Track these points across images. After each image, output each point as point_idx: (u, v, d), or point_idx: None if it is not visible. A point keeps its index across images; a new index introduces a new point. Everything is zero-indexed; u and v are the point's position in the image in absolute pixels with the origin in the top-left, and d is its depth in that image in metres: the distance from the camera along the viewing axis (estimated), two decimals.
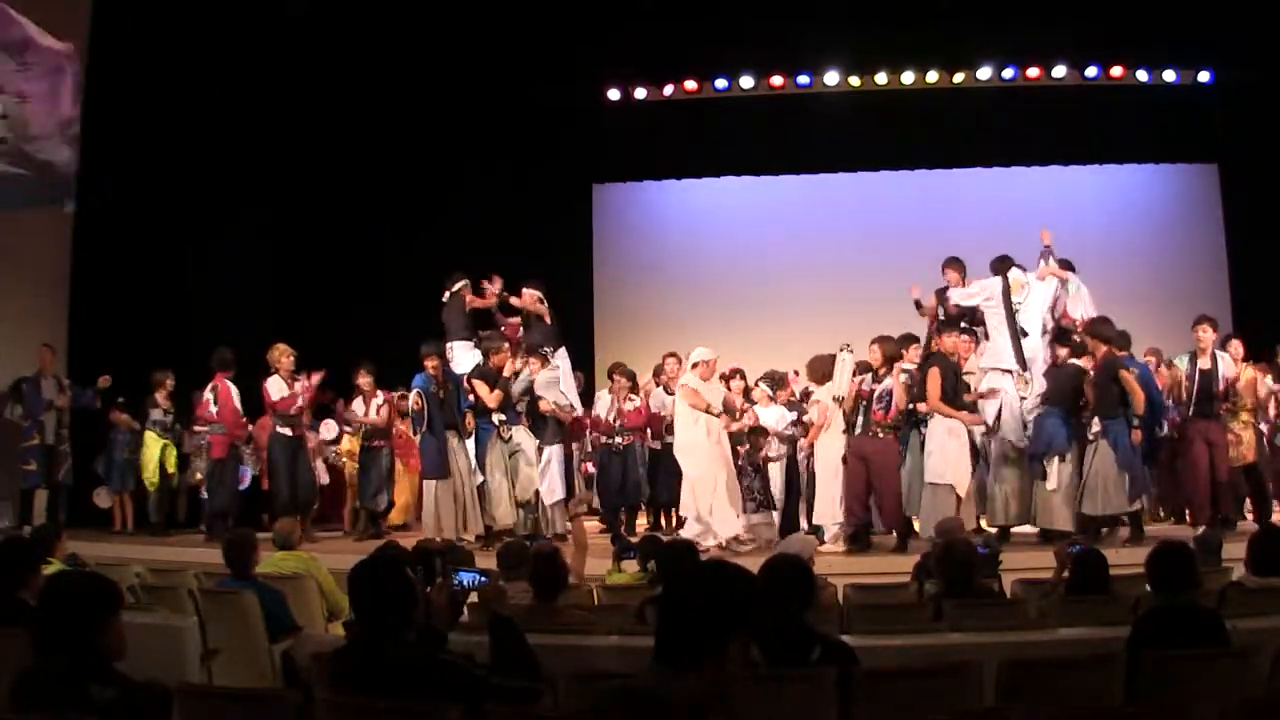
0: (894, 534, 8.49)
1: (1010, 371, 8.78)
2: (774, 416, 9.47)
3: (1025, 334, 8.84)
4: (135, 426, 10.40)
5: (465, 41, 12.32)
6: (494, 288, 10.16)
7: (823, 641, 3.58)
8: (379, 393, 10.25)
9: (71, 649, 2.91)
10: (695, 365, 8.84)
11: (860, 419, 8.42)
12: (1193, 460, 8.71)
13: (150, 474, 10.29)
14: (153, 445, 10.31)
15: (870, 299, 11.93)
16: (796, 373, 9.96)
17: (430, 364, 9.04)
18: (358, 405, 10.36)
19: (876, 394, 8.39)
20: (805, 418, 8.98)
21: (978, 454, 8.74)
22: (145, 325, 10.91)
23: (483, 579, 3.57)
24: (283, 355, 9.54)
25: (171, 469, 10.37)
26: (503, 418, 9.22)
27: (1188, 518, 9.14)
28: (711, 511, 8.54)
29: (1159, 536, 6.76)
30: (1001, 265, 8.99)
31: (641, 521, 10.50)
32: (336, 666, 3.19)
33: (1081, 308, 9.03)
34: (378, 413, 10.21)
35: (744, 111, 13.53)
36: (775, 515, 9.10)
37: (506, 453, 9.24)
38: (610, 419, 10.02)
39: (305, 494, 9.76)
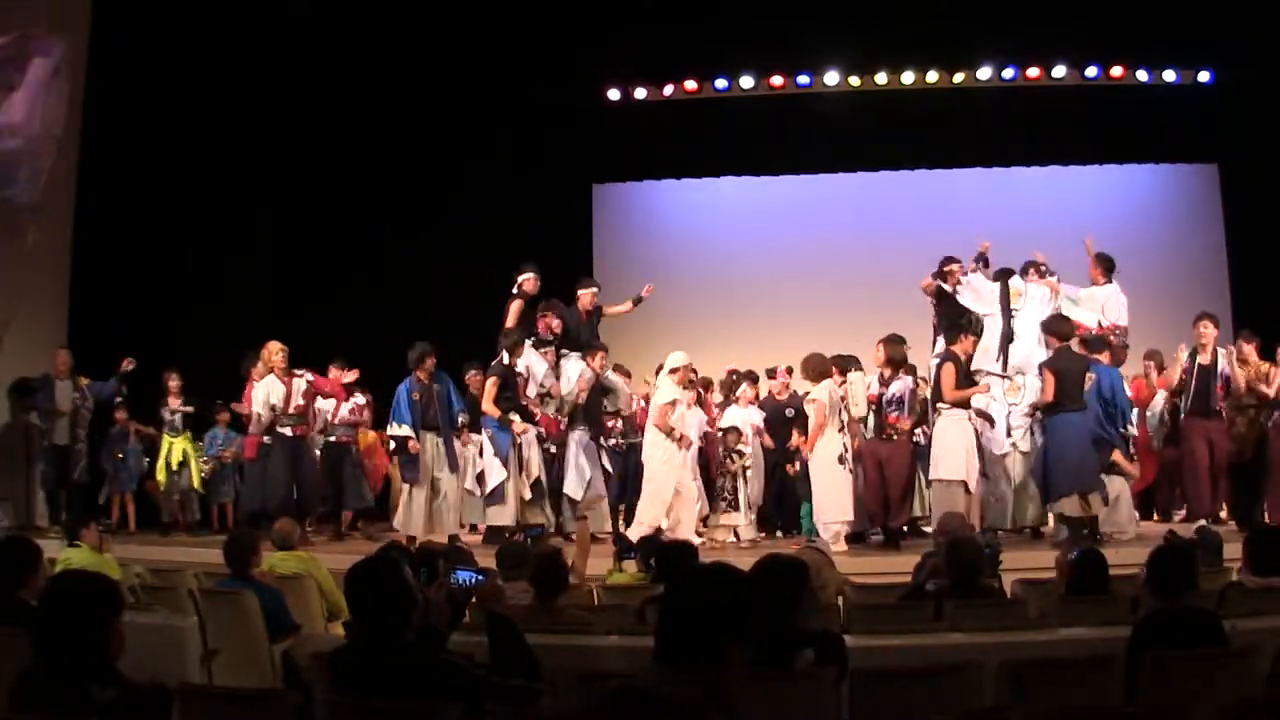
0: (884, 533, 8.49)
1: (1002, 377, 8.80)
2: (753, 417, 9.55)
3: (1013, 338, 8.85)
4: (150, 431, 10.49)
5: (465, 41, 12.31)
6: (530, 282, 9.97)
7: (816, 638, 3.56)
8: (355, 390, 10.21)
9: (72, 649, 2.91)
10: (673, 370, 8.59)
11: (872, 422, 8.42)
12: (1192, 457, 8.70)
13: (160, 474, 10.36)
14: (164, 447, 10.41)
15: (870, 299, 11.94)
16: (790, 370, 9.95)
17: (429, 363, 9.07)
18: (324, 402, 10.14)
19: (886, 398, 8.38)
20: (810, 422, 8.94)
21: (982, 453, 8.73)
22: (145, 325, 10.91)
23: (481, 578, 3.56)
24: (273, 353, 9.44)
25: (175, 467, 10.38)
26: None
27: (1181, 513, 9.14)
28: (668, 516, 8.42)
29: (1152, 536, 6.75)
30: (1003, 275, 9.04)
31: None
32: (336, 666, 3.19)
33: (1089, 314, 9.00)
34: (351, 411, 10.17)
35: (744, 111, 13.52)
36: (743, 517, 8.97)
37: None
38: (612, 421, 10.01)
39: (307, 495, 9.63)
